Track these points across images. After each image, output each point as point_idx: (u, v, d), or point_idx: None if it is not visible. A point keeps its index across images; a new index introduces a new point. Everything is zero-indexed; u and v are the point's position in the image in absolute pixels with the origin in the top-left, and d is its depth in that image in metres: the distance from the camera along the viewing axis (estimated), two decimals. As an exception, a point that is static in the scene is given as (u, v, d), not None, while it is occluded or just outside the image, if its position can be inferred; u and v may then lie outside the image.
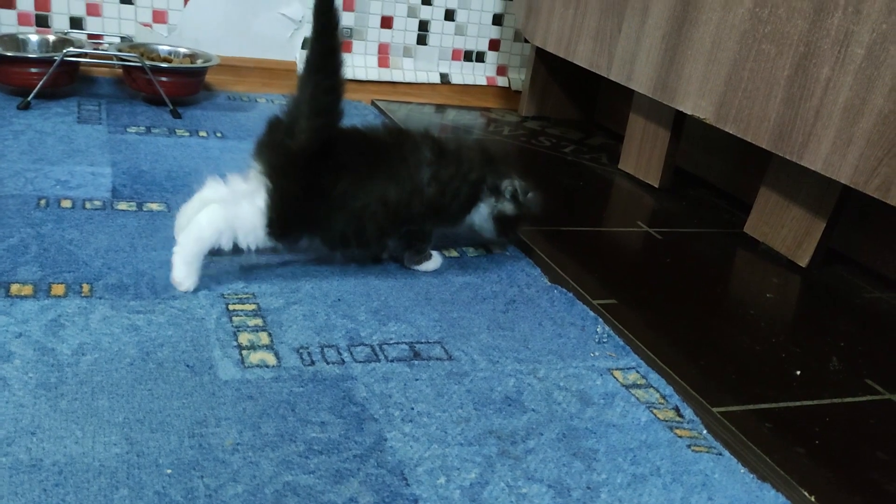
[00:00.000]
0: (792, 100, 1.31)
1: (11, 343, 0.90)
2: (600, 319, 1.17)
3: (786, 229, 1.48)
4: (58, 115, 1.68)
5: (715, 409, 0.97)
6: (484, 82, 2.54)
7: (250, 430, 0.83)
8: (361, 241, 1.15)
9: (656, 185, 1.80)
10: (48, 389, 0.84)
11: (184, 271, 1.06)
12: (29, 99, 1.67)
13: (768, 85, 1.36)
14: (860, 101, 1.20)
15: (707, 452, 0.90)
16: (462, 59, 2.51)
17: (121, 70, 1.88)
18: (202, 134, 1.72)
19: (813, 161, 1.28)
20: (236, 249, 1.10)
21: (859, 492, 0.86)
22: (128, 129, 1.67)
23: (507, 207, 1.26)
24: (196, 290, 1.08)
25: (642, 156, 1.85)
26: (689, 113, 1.55)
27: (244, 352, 0.96)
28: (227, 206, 1.07)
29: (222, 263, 1.16)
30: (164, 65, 1.83)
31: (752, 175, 1.73)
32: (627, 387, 1.01)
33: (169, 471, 0.75)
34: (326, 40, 1.03)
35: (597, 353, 1.08)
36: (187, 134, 1.71)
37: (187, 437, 0.80)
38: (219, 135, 1.73)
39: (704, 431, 0.94)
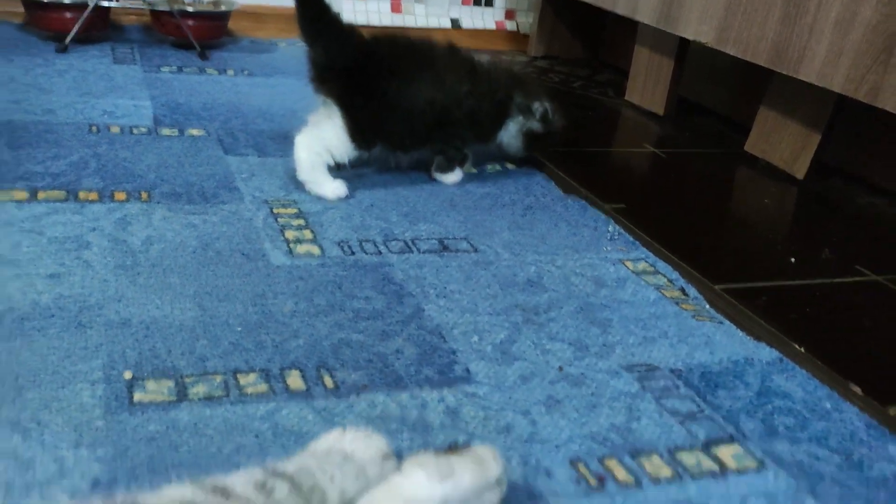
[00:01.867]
0: (788, 18, 1.40)
1: (87, 235, 1.01)
2: (611, 220, 1.27)
3: (783, 144, 1.57)
4: (95, 57, 1.78)
5: (716, 287, 1.08)
6: (493, 27, 2.62)
7: (304, 301, 0.94)
8: (413, 139, 1.28)
9: (661, 114, 1.89)
10: (125, 269, 0.95)
11: (324, 188, 1.22)
12: (66, 42, 1.77)
13: (766, 6, 1.45)
14: (850, 14, 1.28)
15: (709, 321, 1.01)
16: (472, 3, 2.59)
17: (149, 16, 1.97)
18: (230, 73, 1.82)
19: (808, 74, 1.37)
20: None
21: (845, 346, 0.97)
22: (161, 69, 1.77)
23: (536, 126, 1.36)
24: (241, 198, 1.19)
25: (647, 86, 1.94)
26: (691, 38, 1.64)
27: (291, 244, 1.07)
28: (312, 132, 1.22)
29: (262, 177, 1.27)
30: (190, 9, 1.92)
31: (751, 101, 1.81)
32: (637, 273, 1.12)
33: (239, 328, 0.86)
34: None
35: (609, 248, 1.19)
36: (216, 73, 1.80)
37: (251, 306, 0.91)
38: (246, 73, 1.83)
39: (707, 306, 1.05)
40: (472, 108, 1.30)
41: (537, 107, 1.36)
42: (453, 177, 1.35)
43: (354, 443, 0.64)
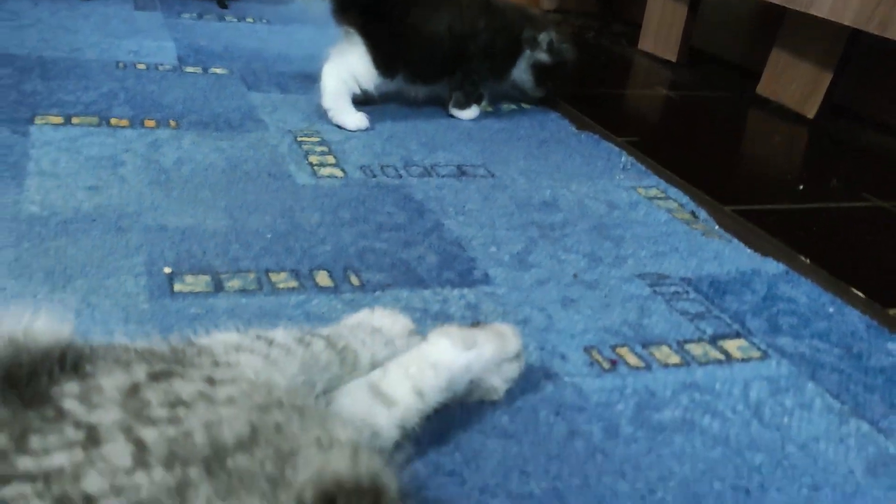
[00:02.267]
0: (800, -44, 1.42)
1: (121, 155, 1.06)
2: (624, 152, 1.31)
3: (794, 85, 1.59)
4: (116, 4, 1.82)
5: (726, 208, 1.11)
6: (507, -18, 2.63)
7: (329, 214, 0.98)
8: (432, 70, 1.32)
9: (674, 60, 1.91)
10: (160, 185, 0.99)
11: (346, 118, 1.26)
12: (89, -11, 1.81)
13: (779, -55, 1.46)
14: (863, -52, 1.30)
15: (718, 239, 1.04)
16: (486, -42, 2.60)
17: (168, -34, 2.00)
18: (249, 20, 1.85)
19: (820, 9, 1.39)
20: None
21: (850, 258, 1.00)
22: (182, 15, 1.80)
23: (544, 57, 1.39)
24: (266, 127, 1.23)
25: (660, 34, 1.96)
26: (705, -18, 1.66)
27: (315, 167, 1.11)
28: (338, 60, 1.26)
29: (285, 111, 1.31)
30: (209, -42, 1.95)
31: (764, 49, 1.83)
32: (649, 198, 1.15)
33: (269, 236, 0.91)
34: None
35: (622, 177, 1.22)
36: (236, 20, 1.84)
37: (279, 217, 0.95)
38: (265, 21, 1.86)
39: (716, 226, 1.08)
40: (486, 42, 1.33)
41: (543, 37, 1.39)
42: (470, 112, 1.39)
43: (382, 319, 0.68)
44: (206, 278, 0.80)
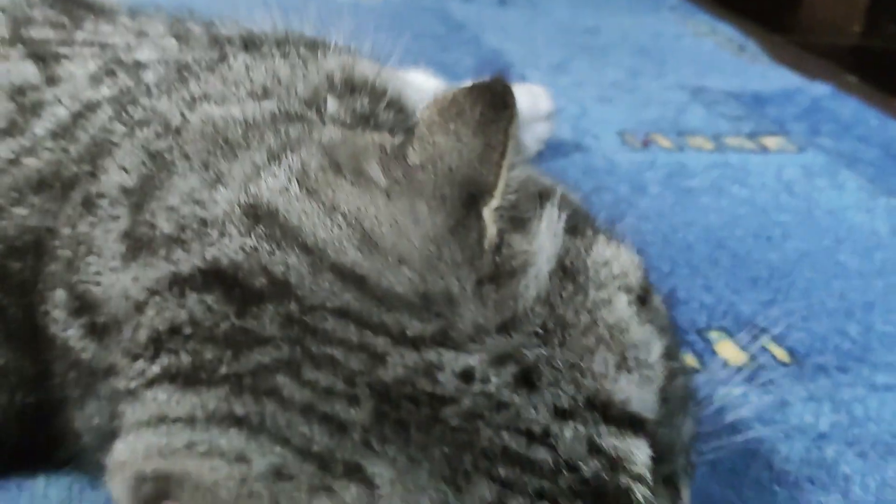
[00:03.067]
0: None
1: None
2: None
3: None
4: None
5: (777, 38, 1.08)
6: None
7: (366, 27, 0.98)
8: None
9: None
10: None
11: None
12: None
13: None
14: None
15: (766, 67, 1.02)
16: None
17: None
18: None
19: None
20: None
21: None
22: None
23: None
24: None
25: None
26: None
27: (358, -12, 1.11)
28: None
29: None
30: None
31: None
32: (697, 34, 1.12)
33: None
34: None
35: (668, 14, 1.19)
36: None
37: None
38: None
39: (765, 56, 1.05)
40: None
41: None
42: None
43: (416, 77, 0.69)
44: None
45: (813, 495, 0.38)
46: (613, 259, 0.28)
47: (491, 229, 0.26)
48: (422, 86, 0.68)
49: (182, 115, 0.31)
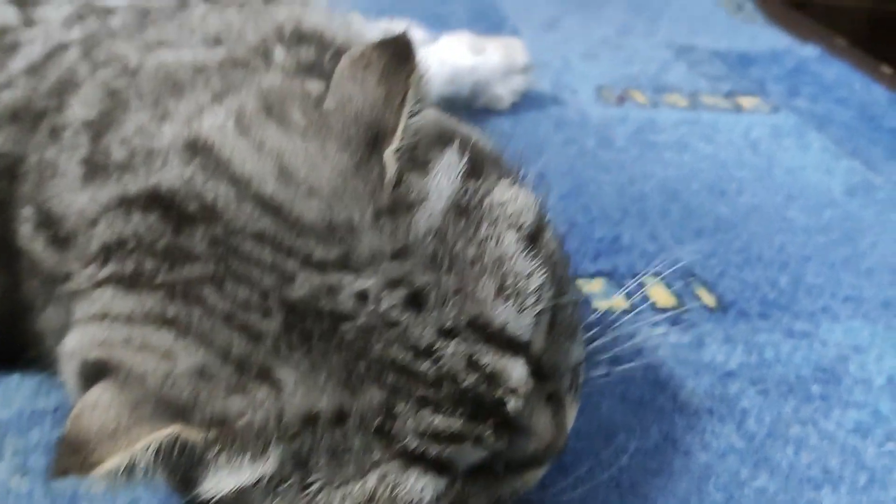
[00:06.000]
0: None
1: None
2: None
3: None
4: None
5: (773, -1, 1.09)
6: None
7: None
8: None
9: None
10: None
11: None
12: None
13: None
14: None
15: (760, 25, 1.03)
16: None
17: None
18: None
19: None
20: None
21: (891, 42, 0.98)
22: None
23: None
24: None
25: None
26: None
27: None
28: None
29: None
30: None
31: None
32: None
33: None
34: None
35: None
36: None
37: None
38: None
39: (762, 15, 1.05)
40: None
41: None
42: None
43: (400, 24, 0.72)
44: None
45: (709, 424, 0.42)
46: (510, 200, 0.32)
47: (391, 168, 0.30)
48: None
49: (140, 57, 0.35)
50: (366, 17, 0.87)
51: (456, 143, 0.31)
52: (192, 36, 0.37)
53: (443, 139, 0.32)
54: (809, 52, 0.96)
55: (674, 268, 0.52)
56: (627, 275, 0.52)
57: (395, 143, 0.30)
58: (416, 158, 0.31)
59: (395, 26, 0.72)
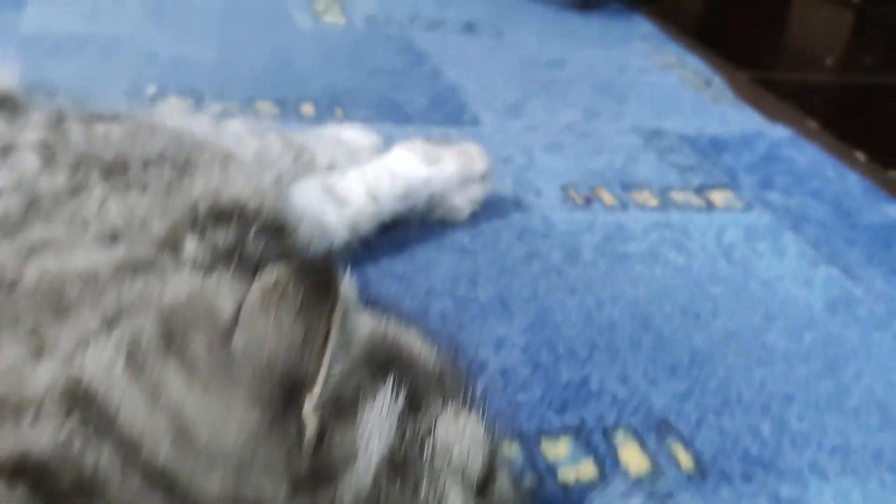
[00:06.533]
0: None
1: (123, -11, 1.06)
2: (646, 19, 1.26)
3: (842, -36, 1.50)
4: None
5: (743, 74, 1.07)
6: None
7: (323, 57, 0.97)
8: None
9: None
10: (155, 15, 0.99)
11: None
12: None
13: None
14: None
15: (729, 105, 1.00)
16: None
17: None
18: None
19: None
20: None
21: (863, 126, 0.96)
22: None
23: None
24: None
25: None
26: None
27: (319, 13, 1.09)
28: None
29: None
30: None
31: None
32: (664, 65, 1.11)
33: (259, 69, 0.90)
34: None
35: (639, 44, 1.17)
36: None
37: (271, 56, 0.95)
38: None
39: (730, 94, 1.03)
40: None
41: None
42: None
43: (350, 133, 0.68)
44: (190, 100, 0.81)
45: None
46: (456, 441, 0.27)
47: (311, 424, 0.25)
48: (355, 142, 0.67)
49: (19, 266, 0.30)
50: (318, 109, 0.84)
51: (391, 378, 0.27)
52: (84, 232, 0.32)
53: (376, 366, 0.28)
54: (780, 133, 0.93)
55: (647, 419, 0.48)
56: (596, 430, 0.48)
57: (316, 395, 0.25)
58: (342, 408, 0.26)
59: (344, 134, 0.68)
